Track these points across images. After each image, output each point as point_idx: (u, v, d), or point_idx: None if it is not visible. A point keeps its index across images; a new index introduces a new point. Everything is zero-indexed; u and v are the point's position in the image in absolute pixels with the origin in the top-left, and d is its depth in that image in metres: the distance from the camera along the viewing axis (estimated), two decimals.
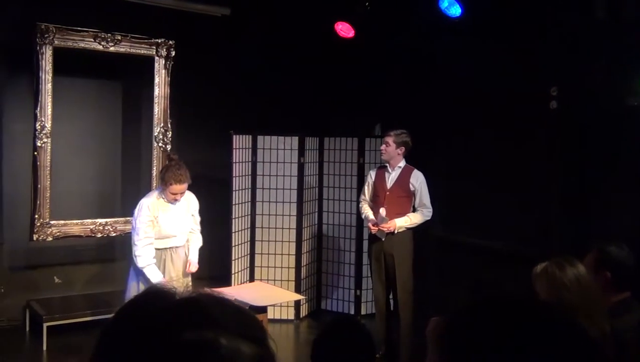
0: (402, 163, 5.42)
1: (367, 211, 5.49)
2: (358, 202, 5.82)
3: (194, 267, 4.87)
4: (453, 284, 6.02)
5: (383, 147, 5.40)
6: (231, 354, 0.78)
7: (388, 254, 5.35)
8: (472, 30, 5.90)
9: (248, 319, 0.85)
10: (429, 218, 5.42)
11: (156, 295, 0.85)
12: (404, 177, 5.42)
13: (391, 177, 5.43)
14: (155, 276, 4.57)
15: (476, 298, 0.93)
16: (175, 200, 4.66)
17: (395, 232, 5.29)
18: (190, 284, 4.86)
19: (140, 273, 4.63)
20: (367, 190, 5.57)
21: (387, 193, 5.39)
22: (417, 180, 5.39)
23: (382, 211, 5.22)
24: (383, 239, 5.35)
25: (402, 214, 5.31)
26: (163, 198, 4.68)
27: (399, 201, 5.36)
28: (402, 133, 5.36)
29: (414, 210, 5.43)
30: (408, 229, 5.36)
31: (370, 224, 5.35)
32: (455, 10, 5.57)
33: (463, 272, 6.11)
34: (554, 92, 5.48)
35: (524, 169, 5.83)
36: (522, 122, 5.82)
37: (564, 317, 0.88)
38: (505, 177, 5.99)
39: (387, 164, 5.45)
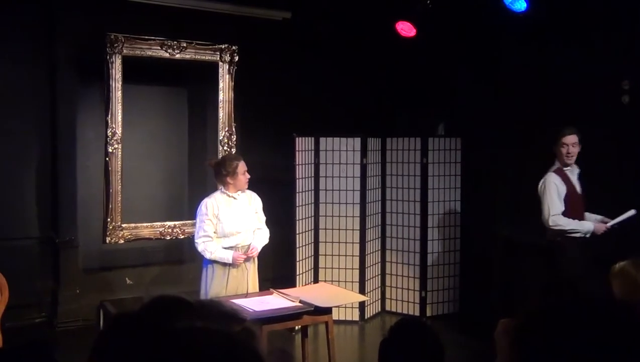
0: None
1: (573, 221, 4.95)
2: (551, 216, 4.97)
3: (255, 251, 4.83)
4: (521, 285, 5.87)
5: (573, 149, 4.94)
6: (222, 333, 0.86)
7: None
8: (538, 25, 5.75)
9: (226, 308, 0.95)
10: None
11: (151, 302, 0.97)
12: (579, 176, 5.13)
13: (574, 180, 5.08)
14: (226, 256, 4.71)
15: (547, 300, 0.91)
16: (248, 180, 4.80)
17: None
18: (257, 285, 4.93)
19: (209, 260, 4.78)
20: (560, 201, 4.97)
21: (581, 196, 5.08)
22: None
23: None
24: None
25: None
26: (226, 194, 4.79)
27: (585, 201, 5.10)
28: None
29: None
30: None
31: (604, 228, 4.91)
32: (520, 5, 5.45)
33: (531, 273, 5.95)
34: (626, 85, 5.28)
35: (595, 166, 5.63)
36: (593, 118, 5.63)
37: (635, 318, 0.86)
38: None
39: (566, 167, 5.04)
